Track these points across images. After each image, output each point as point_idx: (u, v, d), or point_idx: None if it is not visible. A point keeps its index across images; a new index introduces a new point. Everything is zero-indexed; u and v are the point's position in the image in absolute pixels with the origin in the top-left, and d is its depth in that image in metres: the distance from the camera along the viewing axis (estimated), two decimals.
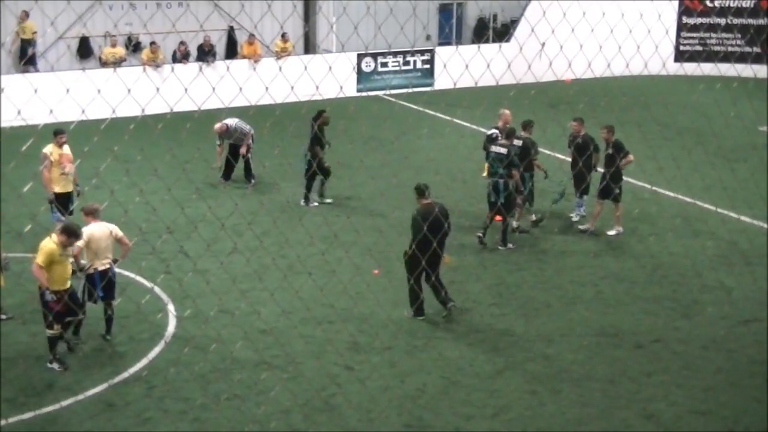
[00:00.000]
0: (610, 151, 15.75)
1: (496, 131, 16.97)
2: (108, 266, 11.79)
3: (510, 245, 15.62)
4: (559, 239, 16.08)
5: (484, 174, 17.11)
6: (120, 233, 11.88)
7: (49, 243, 10.83)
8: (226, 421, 10.18)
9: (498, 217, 16.88)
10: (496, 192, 15.48)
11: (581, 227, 16.40)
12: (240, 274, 13.68)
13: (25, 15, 25.39)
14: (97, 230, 11.68)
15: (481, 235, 15.72)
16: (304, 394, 10.75)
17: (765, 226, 16.26)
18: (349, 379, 11.14)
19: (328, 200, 17.89)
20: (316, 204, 17.76)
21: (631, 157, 15.89)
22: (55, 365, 11.12)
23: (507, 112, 17.44)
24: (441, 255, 12.43)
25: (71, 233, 10.98)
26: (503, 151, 15.57)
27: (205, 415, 10.26)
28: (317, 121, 17.64)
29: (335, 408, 10.50)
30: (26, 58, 25.68)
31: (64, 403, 10.38)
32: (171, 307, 13.03)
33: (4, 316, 12.51)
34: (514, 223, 16.30)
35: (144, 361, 11.51)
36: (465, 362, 11.62)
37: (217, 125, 18.61)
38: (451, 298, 12.94)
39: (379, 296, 13.45)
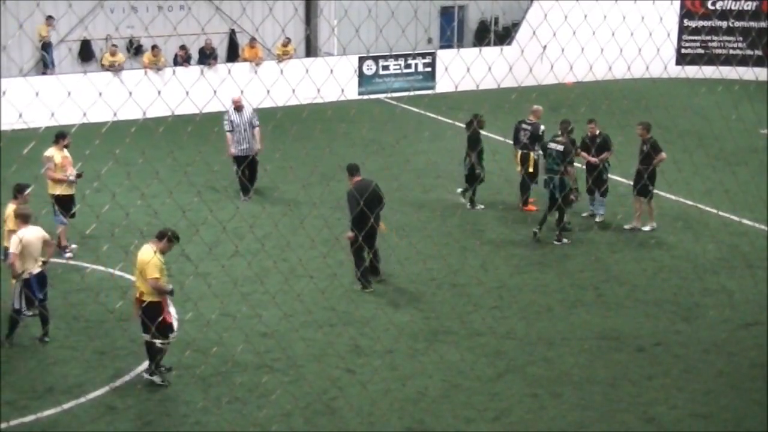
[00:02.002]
0: (645, 148, 15.92)
1: (543, 127, 17.12)
2: (41, 269, 11.74)
3: (565, 240, 15.89)
4: (560, 242, 16.06)
5: (519, 168, 17.32)
6: (47, 236, 11.84)
7: (153, 256, 10.60)
8: (227, 424, 10.18)
9: (533, 208, 16.94)
10: (552, 187, 15.83)
11: (626, 226, 16.59)
12: (241, 278, 13.68)
13: (51, 20, 25.97)
14: (29, 234, 11.61)
15: (537, 230, 16.08)
16: (306, 397, 10.75)
17: (766, 229, 16.25)
18: (351, 382, 11.15)
19: (463, 200, 17.83)
20: (482, 207, 17.73)
21: (663, 155, 16.05)
22: (157, 378, 10.98)
23: (540, 108, 17.53)
24: (377, 226, 13.48)
25: (171, 237, 10.84)
26: (560, 147, 15.85)
27: (206, 418, 10.27)
28: (472, 126, 17.38)
29: (336, 411, 10.51)
30: (45, 59, 26.35)
31: (66, 406, 10.38)
32: (172, 310, 13.00)
33: (29, 313, 12.65)
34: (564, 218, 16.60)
35: (145, 364, 11.50)
36: (466, 365, 11.62)
37: (237, 97, 17.72)
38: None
39: (380, 299, 13.46)
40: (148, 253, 10.59)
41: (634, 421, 10.42)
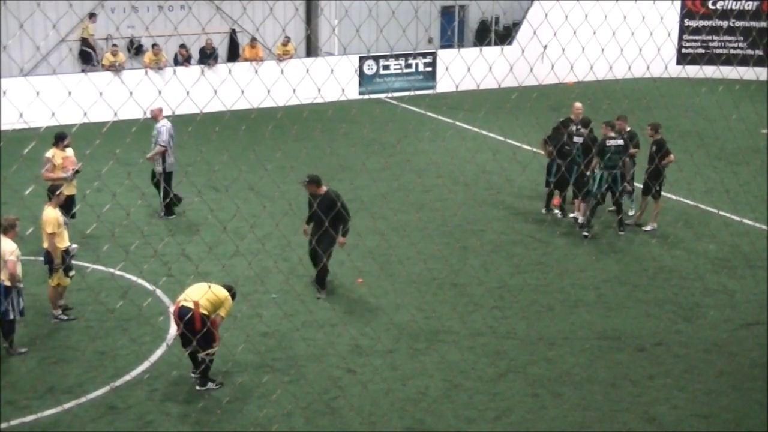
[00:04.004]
0: (654, 148, 15.96)
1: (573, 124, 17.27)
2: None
3: (621, 232, 16.22)
4: (561, 242, 16.08)
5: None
6: (9, 257, 11.34)
7: (227, 296, 10.84)
8: (227, 424, 10.18)
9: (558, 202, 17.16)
10: (615, 183, 16.00)
11: (628, 221, 16.79)
12: (242, 277, 13.68)
13: (95, 18, 26.77)
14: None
15: (586, 233, 16.24)
16: (306, 397, 10.75)
17: (767, 228, 16.25)
18: (351, 382, 11.14)
19: (556, 211, 17.28)
20: (573, 215, 17.21)
21: (672, 157, 16.13)
22: (213, 385, 10.97)
23: (579, 104, 17.50)
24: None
25: (234, 295, 11.06)
26: (620, 142, 16.02)
27: (206, 418, 10.26)
28: (562, 129, 16.83)
29: (337, 411, 10.51)
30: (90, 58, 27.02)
31: (66, 405, 10.38)
32: (172, 310, 13.01)
33: (64, 317, 12.73)
34: (580, 218, 16.68)
35: (146, 364, 11.51)
36: (467, 365, 11.62)
37: (154, 108, 16.71)
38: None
39: (380, 299, 13.45)
40: (225, 294, 10.82)
41: (635, 421, 10.41)
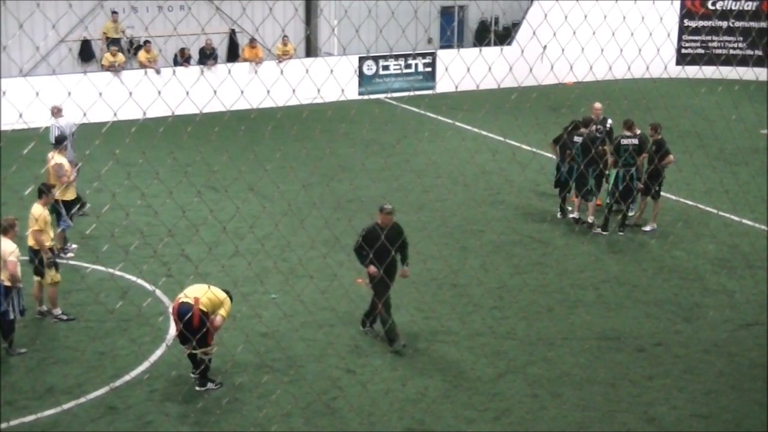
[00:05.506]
0: (653, 148, 16.05)
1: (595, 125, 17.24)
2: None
3: (621, 232, 16.33)
4: (560, 243, 16.08)
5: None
6: (9, 258, 11.34)
7: (225, 297, 10.90)
8: (227, 424, 10.19)
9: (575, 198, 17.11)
10: (632, 181, 16.14)
11: (626, 221, 16.78)
12: (241, 278, 13.69)
13: (115, 16, 27.21)
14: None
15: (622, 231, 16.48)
16: (306, 397, 10.75)
17: (766, 229, 16.25)
18: (351, 382, 11.14)
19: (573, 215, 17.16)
20: (573, 215, 17.14)
21: (671, 157, 16.17)
22: (212, 385, 10.99)
23: (599, 104, 17.52)
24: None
25: (231, 297, 11.10)
26: (635, 141, 16.15)
27: (206, 418, 10.26)
28: (582, 128, 16.69)
29: (336, 411, 10.51)
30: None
31: (66, 406, 10.39)
32: (172, 308, 12.99)
33: (65, 316, 12.72)
34: (590, 218, 16.69)
35: (145, 364, 11.52)
36: (466, 365, 11.62)
37: (53, 106, 16.23)
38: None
39: None
40: (224, 296, 10.87)
41: (635, 422, 10.42)
